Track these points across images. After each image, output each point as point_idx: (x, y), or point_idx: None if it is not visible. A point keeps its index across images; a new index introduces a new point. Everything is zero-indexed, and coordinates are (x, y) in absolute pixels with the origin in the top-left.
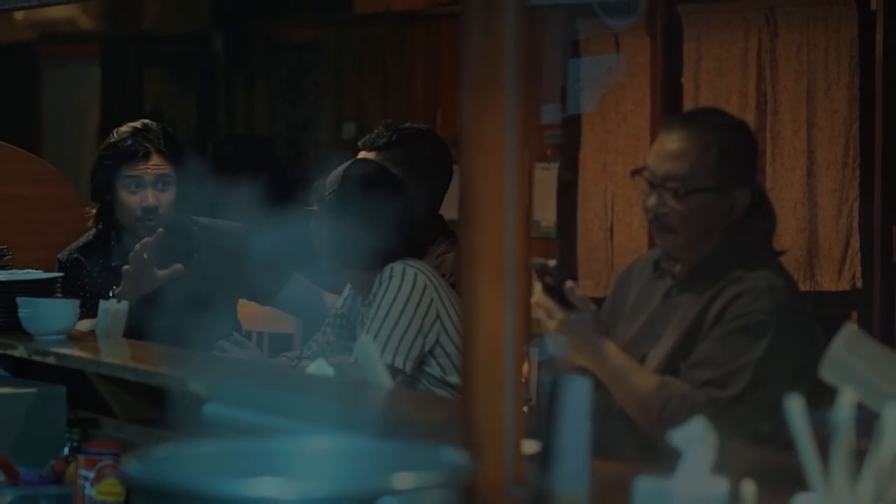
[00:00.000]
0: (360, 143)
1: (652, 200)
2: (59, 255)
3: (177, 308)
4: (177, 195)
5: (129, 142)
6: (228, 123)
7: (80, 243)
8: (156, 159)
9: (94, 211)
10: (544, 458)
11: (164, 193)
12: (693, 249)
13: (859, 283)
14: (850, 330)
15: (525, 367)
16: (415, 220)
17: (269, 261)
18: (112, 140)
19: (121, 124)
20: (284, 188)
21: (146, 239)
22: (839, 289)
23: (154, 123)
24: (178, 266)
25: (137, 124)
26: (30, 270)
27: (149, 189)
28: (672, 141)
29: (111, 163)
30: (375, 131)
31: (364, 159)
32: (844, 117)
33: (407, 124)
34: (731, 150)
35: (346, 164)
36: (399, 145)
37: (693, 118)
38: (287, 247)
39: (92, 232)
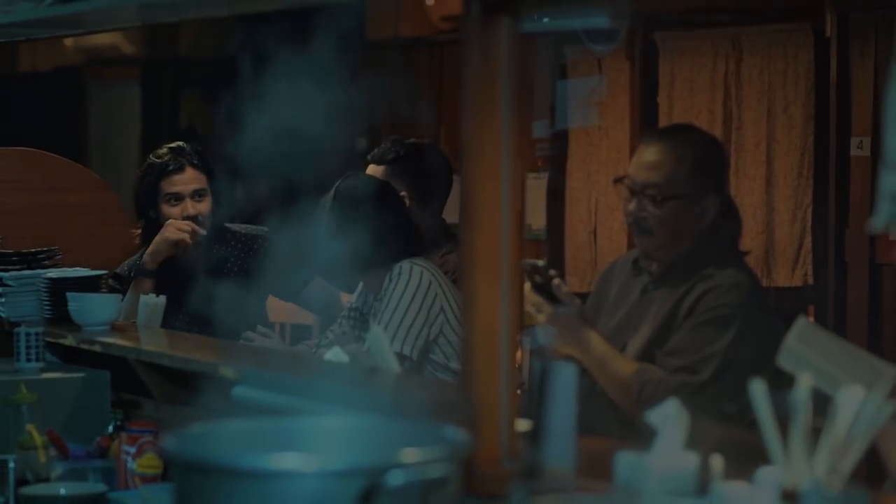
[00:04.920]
0: (369, 157)
1: (632, 205)
2: (117, 270)
3: (217, 304)
4: (212, 205)
5: (166, 159)
6: (253, 139)
7: (137, 258)
8: (190, 172)
9: (139, 231)
10: (535, 435)
11: (200, 203)
12: (668, 250)
13: (811, 280)
14: (802, 323)
15: (518, 355)
16: (408, 222)
17: (292, 263)
18: (150, 161)
19: (159, 139)
20: (304, 196)
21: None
22: (792, 285)
23: (187, 144)
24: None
25: (172, 145)
26: (78, 268)
27: (187, 200)
28: (650, 153)
29: (151, 179)
30: (383, 147)
31: (354, 174)
32: (801, 132)
33: (411, 140)
34: (704, 162)
35: (339, 181)
36: (405, 159)
37: (669, 133)
38: (307, 251)
39: (142, 250)
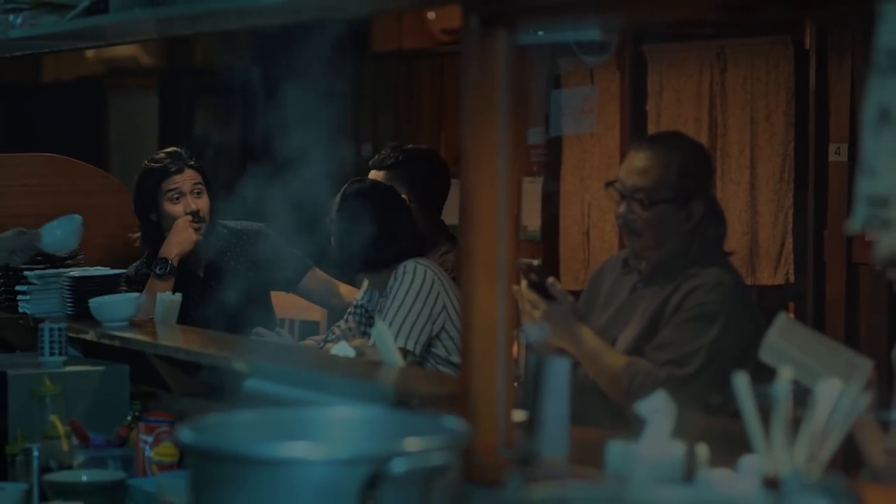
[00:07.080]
0: (370, 164)
1: (622, 208)
2: (127, 271)
3: (218, 299)
4: (209, 203)
5: (166, 162)
6: (265, 145)
7: (144, 260)
8: (188, 172)
9: (138, 234)
10: (531, 425)
11: (200, 199)
12: (656, 250)
13: (792, 279)
14: (783, 319)
15: (515, 349)
16: (411, 223)
17: (288, 255)
18: (148, 165)
19: (175, 146)
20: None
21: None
22: (775, 283)
23: (181, 149)
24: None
25: (169, 149)
26: (98, 268)
27: (188, 196)
28: (640, 159)
29: (151, 181)
30: (383, 153)
31: (359, 179)
32: (782, 139)
33: (410, 146)
34: (689, 168)
35: (345, 185)
36: (404, 165)
37: (658, 140)
38: (304, 243)
39: (146, 253)
